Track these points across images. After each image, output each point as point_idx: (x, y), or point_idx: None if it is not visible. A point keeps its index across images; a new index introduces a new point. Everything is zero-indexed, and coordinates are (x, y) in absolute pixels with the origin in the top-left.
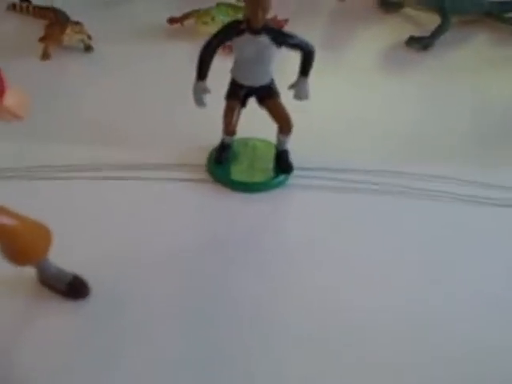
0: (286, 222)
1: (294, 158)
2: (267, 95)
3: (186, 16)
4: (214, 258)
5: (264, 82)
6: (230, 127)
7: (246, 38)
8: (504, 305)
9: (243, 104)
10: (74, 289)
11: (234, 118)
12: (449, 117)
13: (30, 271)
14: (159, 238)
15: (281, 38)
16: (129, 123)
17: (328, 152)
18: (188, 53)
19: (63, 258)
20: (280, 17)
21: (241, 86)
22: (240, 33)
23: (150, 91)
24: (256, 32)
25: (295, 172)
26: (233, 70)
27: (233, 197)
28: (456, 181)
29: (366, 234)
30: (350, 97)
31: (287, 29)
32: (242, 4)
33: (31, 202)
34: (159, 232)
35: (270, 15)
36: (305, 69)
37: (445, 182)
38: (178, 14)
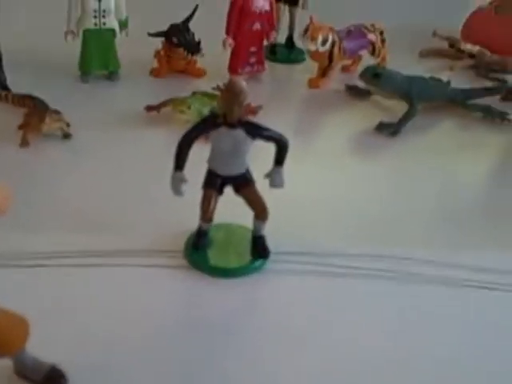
0: (264, 307)
1: (271, 242)
2: (243, 183)
3: (162, 104)
4: (192, 344)
5: (239, 171)
6: (207, 215)
7: (223, 131)
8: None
9: (220, 192)
10: (51, 380)
11: (211, 206)
12: (419, 198)
13: (6, 362)
14: (137, 325)
15: (255, 131)
16: (108, 209)
17: (304, 236)
18: (165, 139)
19: (41, 347)
20: (253, 104)
21: (217, 176)
22: (217, 126)
23: (129, 177)
24: (232, 126)
25: (272, 257)
26: (209, 161)
27: (211, 283)
28: (433, 263)
29: (345, 319)
30: (323, 181)
31: (260, 115)
32: (216, 92)
33: (9, 291)
34: (137, 319)
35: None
36: (279, 159)
37: (419, 264)
38: (155, 101)
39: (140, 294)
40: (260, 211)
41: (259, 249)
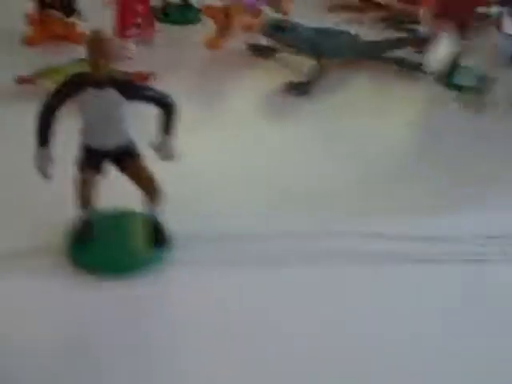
0: (166, 307)
1: (172, 227)
2: (126, 158)
3: (38, 74)
4: (77, 361)
5: (119, 142)
6: (83, 199)
7: (90, 93)
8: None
9: (98, 170)
10: None
11: (88, 189)
12: (337, 162)
13: None
14: (15, 341)
15: (130, 90)
16: None
17: (210, 216)
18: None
19: None
20: (145, 71)
21: (93, 150)
22: (82, 87)
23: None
24: (100, 85)
25: (174, 244)
26: (82, 132)
27: (99, 284)
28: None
29: (261, 311)
30: (230, 151)
31: (153, 83)
32: None
33: None
34: (14, 333)
35: (132, 68)
36: (165, 126)
37: (341, 238)
38: (29, 72)
39: (12, 305)
40: (150, 191)
41: (156, 236)
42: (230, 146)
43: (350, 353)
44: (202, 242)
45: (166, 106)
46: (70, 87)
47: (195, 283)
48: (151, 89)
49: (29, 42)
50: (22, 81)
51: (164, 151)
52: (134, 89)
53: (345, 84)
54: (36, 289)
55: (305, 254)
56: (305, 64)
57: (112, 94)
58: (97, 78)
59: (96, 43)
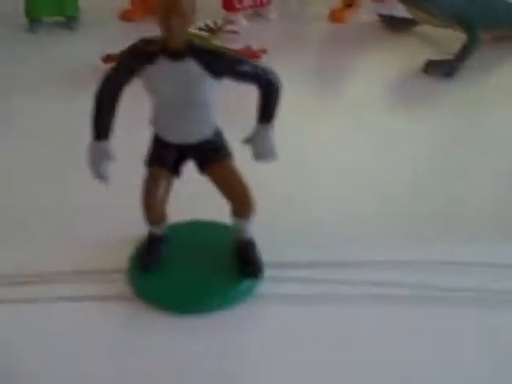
0: (253, 355)
1: (265, 250)
2: (210, 157)
3: None
4: None
5: (202, 135)
6: (153, 210)
7: (163, 65)
8: None
9: (175, 171)
10: None
11: (160, 195)
12: (485, 168)
13: None
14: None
15: (219, 63)
16: (24, 210)
17: (315, 237)
18: (129, 105)
19: None
20: (256, 47)
21: (168, 145)
22: (152, 58)
23: (66, 156)
24: (176, 55)
25: (267, 273)
26: (153, 122)
27: (168, 321)
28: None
29: (374, 358)
30: (350, 148)
31: (265, 61)
32: (205, 34)
33: None
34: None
35: (241, 45)
36: (265, 111)
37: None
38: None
39: (58, 341)
40: (240, 203)
41: (245, 262)
42: (349, 143)
43: None
44: (299, 269)
45: (268, 86)
46: (136, 57)
47: (287, 320)
48: (248, 62)
49: (126, 16)
50: (107, 59)
51: (261, 146)
52: (223, 60)
53: (501, 63)
54: (87, 324)
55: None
56: (450, 39)
57: (193, 67)
58: (172, 45)
59: None
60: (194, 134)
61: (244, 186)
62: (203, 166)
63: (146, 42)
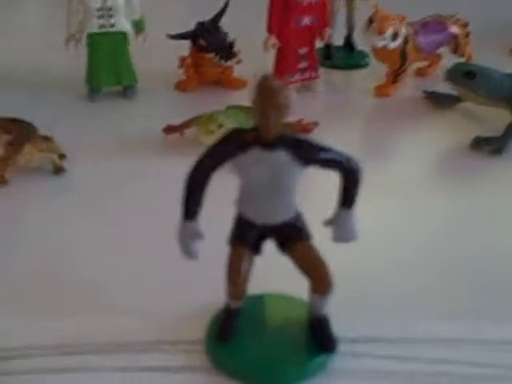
0: None
1: (338, 325)
2: (291, 237)
3: (186, 124)
4: None
5: (285, 217)
6: (236, 286)
7: (255, 154)
8: None
9: (256, 250)
10: None
11: (243, 272)
12: None
13: None
14: None
15: (307, 151)
16: (98, 281)
17: (388, 313)
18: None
19: None
20: (307, 120)
21: (251, 225)
22: (245, 147)
23: (136, 228)
24: (269, 145)
25: (341, 348)
26: (238, 202)
27: None
28: None
29: None
30: (404, 224)
31: (316, 134)
32: None
33: None
34: None
35: (293, 118)
36: (347, 196)
37: None
38: (179, 121)
39: None
40: (319, 280)
41: (320, 336)
42: (399, 219)
43: None
44: (373, 344)
45: (350, 173)
46: (231, 146)
47: None
48: (332, 150)
49: (181, 87)
50: (170, 130)
51: (342, 229)
52: (312, 150)
53: None
54: None
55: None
56: (495, 116)
57: (283, 157)
58: (265, 137)
59: (268, 92)
60: (277, 216)
61: (323, 264)
62: (284, 245)
63: (240, 131)
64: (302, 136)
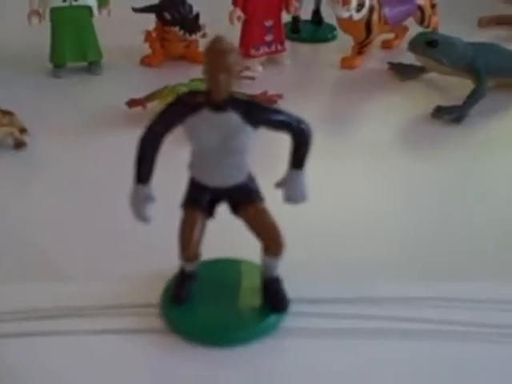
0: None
1: (291, 286)
2: (244, 200)
3: (149, 97)
4: None
5: (237, 180)
6: (189, 249)
7: (205, 116)
8: None
9: (209, 213)
10: None
11: (196, 235)
12: (494, 207)
13: None
14: None
15: (257, 113)
16: (59, 247)
17: (339, 273)
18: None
19: None
20: (272, 92)
21: (204, 188)
22: (196, 109)
23: (95, 197)
24: (218, 107)
25: (292, 308)
26: (191, 166)
27: (199, 354)
28: None
29: None
30: (364, 189)
31: (281, 105)
32: None
33: None
34: None
35: (259, 91)
36: (298, 158)
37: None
38: (142, 96)
39: (96, 373)
40: (271, 242)
41: (272, 297)
42: (363, 183)
43: None
44: (326, 304)
45: (300, 134)
46: (181, 108)
47: (316, 358)
48: (282, 112)
49: (146, 62)
50: (132, 104)
51: (293, 190)
52: (262, 112)
53: (506, 110)
54: (122, 356)
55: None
56: (458, 85)
57: (233, 119)
58: (215, 98)
59: (217, 53)
60: (229, 179)
61: (275, 226)
62: (236, 208)
63: (190, 94)
64: (252, 98)
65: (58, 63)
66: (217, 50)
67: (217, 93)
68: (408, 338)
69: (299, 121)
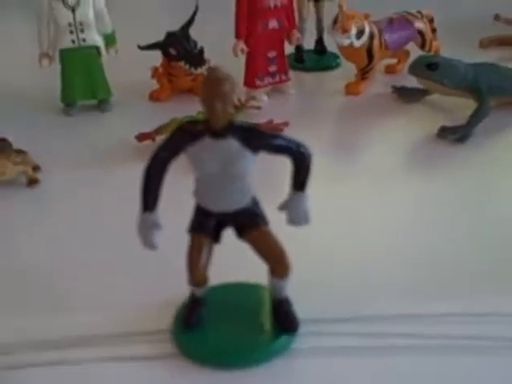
0: None
1: (300, 307)
2: (248, 223)
3: (157, 130)
4: None
5: (241, 204)
6: (197, 273)
7: (206, 143)
8: None
9: (215, 238)
10: None
11: (203, 260)
12: (499, 227)
13: None
14: None
15: (255, 138)
16: (73, 280)
17: (346, 293)
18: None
19: None
20: (278, 120)
21: (209, 214)
22: (197, 137)
23: (108, 229)
24: (218, 134)
25: (302, 329)
26: (195, 193)
27: (211, 377)
28: None
29: None
30: (370, 211)
31: (287, 133)
32: (240, 106)
33: None
34: None
35: (265, 119)
36: (299, 181)
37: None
38: (151, 128)
39: None
40: (277, 264)
41: (282, 319)
42: (369, 208)
43: None
44: (336, 324)
45: (300, 158)
46: (183, 137)
47: (322, 375)
48: (281, 137)
49: (155, 96)
50: (142, 138)
51: (295, 212)
52: (260, 137)
53: (509, 127)
54: (137, 380)
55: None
56: (461, 106)
57: (233, 145)
58: (214, 126)
59: (213, 82)
60: (233, 204)
61: (280, 249)
62: (241, 232)
63: (191, 123)
64: (251, 124)
65: (68, 102)
66: (212, 78)
67: (215, 121)
68: (416, 354)
69: (298, 145)
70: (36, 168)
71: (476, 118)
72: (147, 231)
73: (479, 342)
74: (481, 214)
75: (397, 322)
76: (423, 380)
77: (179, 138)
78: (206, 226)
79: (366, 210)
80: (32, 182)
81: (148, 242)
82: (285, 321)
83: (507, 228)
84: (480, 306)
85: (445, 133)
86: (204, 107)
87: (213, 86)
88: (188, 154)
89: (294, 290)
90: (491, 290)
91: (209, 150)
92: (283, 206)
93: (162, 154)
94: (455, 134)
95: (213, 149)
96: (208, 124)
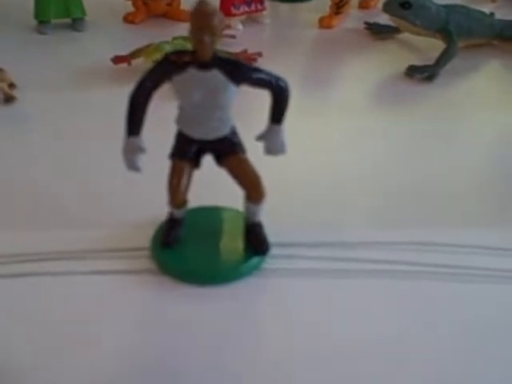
0: (263, 322)
1: (272, 232)
2: (227, 151)
3: (134, 53)
4: (154, 375)
5: (221, 133)
6: (177, 196)
7: (191, 74)
8: None
9: (195, 163)
10: None
11: (183, 184)
12: (462, 161)
13: None
14: (89, 352)
15: (239, 72)
16: (52, 197)
17: (317, 220)
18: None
19: None
20: (252, 50)
21: (190, 141)
22: (182, 67)
23: (85, 149)
24: (204, 66)
25: (273, 251)
26: (178, 120)
27: (187, 292)
28: (476, 249)
29: (369, 328)
30: (341, 144)
31: (260, 63)
32: None
33: None
34: (88, 344)
35: (239, 49)
36: (277, 113)
37: (465, 254)
38: (125, 52)
39: (91, 311)
40: (253, 189)
41: (255, 241)
42: (339, 138)
43: None
44: (304, 247)
45: (279, 91)
46: (169, 66)
47: (295, 295)
48: (263, 71)
49: (130, 19)
50: (118, 60)
51: (272, 143)
52: (244, 70)
53: (475, 69)
54: (116, 294)
55: (432, 268)
56: (430, 45)
57: (217, 77)
58: (200, 57)
59: (202, 16)
60: (214, 132)
61: (256, 175)
62: (220, 159)
63: (177, 53)
64: (235, 57)
65: (42, 19)
66: (202, 12)
67: (202, 53)
68: (382, 277)
69: (278, 78)
70: (12, 85)
71: (444, 58)
72: (132, 155)
73: (441, 269)
74: (443, 149)
75: (365, 248)
76: (388, 302)
77: (165, 68)
78: (187, 152)
79: (337, 142)
80: (9, 99)
81: (132, 165)
82: (256, 242)
83: (466, 163)
84: (441, 236)
85: (413, 71)
86: (192, 39)
87: (202, 20)
88: (173, 83)
89: (268, 216)
90: (453, 221)
91: (194, 81)
92: (261, 137)
93: (147, 82)
94: (423, 74)
95: (198, 80)
96: (195, 55)
